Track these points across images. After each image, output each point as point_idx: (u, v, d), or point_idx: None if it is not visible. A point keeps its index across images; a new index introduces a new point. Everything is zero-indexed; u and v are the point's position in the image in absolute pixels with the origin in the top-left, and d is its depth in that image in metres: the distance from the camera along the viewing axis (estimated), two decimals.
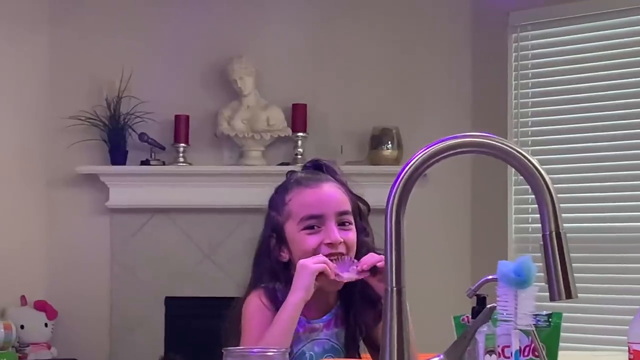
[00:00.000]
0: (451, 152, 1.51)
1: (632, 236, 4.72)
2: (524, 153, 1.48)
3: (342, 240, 2.20)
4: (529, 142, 5.05)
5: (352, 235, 2.24)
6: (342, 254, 2.20)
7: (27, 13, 5.24)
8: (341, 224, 2.22)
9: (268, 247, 2.28)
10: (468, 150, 1.54)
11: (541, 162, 1.47)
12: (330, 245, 2.19)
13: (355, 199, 2.28)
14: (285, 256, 2.26)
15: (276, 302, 2.22)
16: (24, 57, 5.24)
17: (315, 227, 2.21)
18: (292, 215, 2.24)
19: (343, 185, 2.30)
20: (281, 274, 2.26)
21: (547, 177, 1.46)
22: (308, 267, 2.11)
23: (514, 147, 1.50)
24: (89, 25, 5.27)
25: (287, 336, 2.11)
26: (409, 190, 1.50)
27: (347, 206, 2.25)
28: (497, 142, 1.49)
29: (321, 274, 2.12)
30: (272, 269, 2.27)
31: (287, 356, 1.42)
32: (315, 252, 2.19)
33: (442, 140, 1.50)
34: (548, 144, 5.00)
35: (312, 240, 2.21)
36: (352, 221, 2.25)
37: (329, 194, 2.25)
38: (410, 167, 1.50)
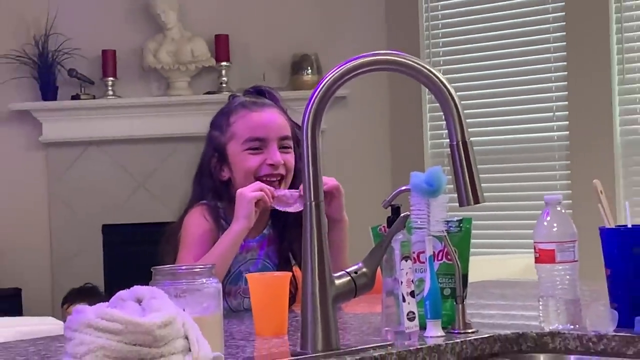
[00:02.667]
0: (360, 70, 1.49)
1: (535, 147, 4.81)
2: (428, 67, 1.48)
3: (282, 161, 2.19)
4: (441, 62, 5.08)
5: (291, 157, 2.23)
6: (281, 175, 2.20)
7: None
8: (282, 148, 2.22)
9: (209, 166, 2.26)
10: (376, 68, 1.53)
11: (452, 80, 1.47)
12: (272, 166, 2.19)
13: (294, 126, 2.26)
14: (225, 175, 2.24)
15: (218, 219, 2.21)
16: None
17: (257, 149, 2.20)
18: (236, 136, 2.22)
19: (284, 111, 2.29)
20: (223, 193, 2.24)
21: (451, 89, 1.47)
22: (246, 195, 2.09)
23: (418, 61, 1.50)
24: None
25: (225, 262, 2.10)
26: (323, 107, 1.49)
27: (288, 131, 2.24)
28: (402, 58, 1.49)
29: (260, 200, 2.11)
30: (215, 188, 2.25)
31: (213, 272, 1.41)
32: (256, 171, 2.19)
33: (352, 60, 1.49)
34: (458, 62, 5.05)
35: (254, 161, 2.19)
36: (292, 146, 2.24)
37: (273, 118, 2.24)
38: (322, 86, 1.49)
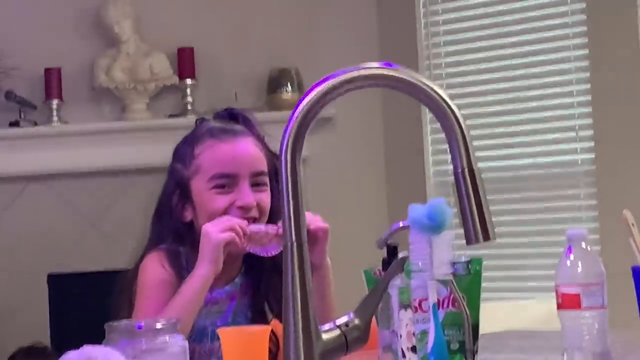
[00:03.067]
0: (348, 87, 1.50)
1: (554, 173, 4.86)
2: (427, 82, 1.49)
3: (255, 203, 2.21)
4: (443, 75, 5.15)
5: (266, 197, 2.25)
6: (254, 218, 2.22)
7: None
8: (255, 185, 2.24)
9: (170, 204, 2.28)
10: (367, 83, 1.54)
11: (456, 97, 1.49)
12: (242, 208, 2.20)
13: (272, 157, 2.27)
14: (188, 215, 2.26)
15: (180, 267, 2.23)
16: None
17: (226, 187, 2.22)
18: (201, 171, 2.24)
19: (260, 140, 2.31)
20: (186, 235, 2.26)
21: (454, 108, 1.48)
22: (212, 237, 2.10)
23: (418, 77, 1.51)
24: None
25: (190, 314, 2.11)
26: (304, 130, 1.50)
27: (264, 166, 2.26)
28: (396, 72, 1.50)
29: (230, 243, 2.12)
30: (176, 230, 2.27)
31: (177, 327, 1.42)
32: (224, 214, 2.20)
33: (338, 74, 1.50)
34: (464, 76, 5.10)
35: (221, 202, 2.21)
36: (267, 182, 2.26)
37: (245, 151, 2.25)
38: (303, 106, 1.50)
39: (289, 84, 5.19)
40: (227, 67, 5.28)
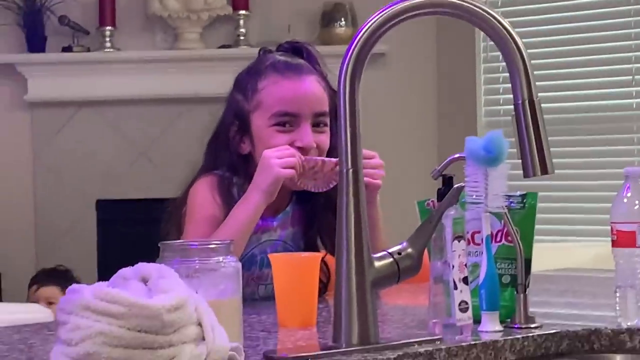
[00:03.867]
0: (405, 15, 1.51)
1: (610, 116, 4.87)
2: (493, 13, 1.50)
3: (315, 144, 2.20)
4: (499, 3, 5.12)
5: (325, 138, 2.24)
6: None
7: None
8: (315, 125, 2.23)
9: (227, 135, 2.27)
10: (429, 11, 1.55)
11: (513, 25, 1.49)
12: (301, 149, 2.19)
13: (334, 95, 2.26)
14: (245, 148, 2.25)
15: (230, 196, 2.23)
16: None
17: (287, 125, 2.21)
18: (263, 106, 2.22)
19: (323, 78, 2.29)
20: (240, 168, 2.26)
21: (519, 40, 1.49)
22: (274, 171, 2.10)
23: (481, 6, 1.51)
24: None
25: (243, 238, 2.12)
26: (363, 60, 1.51)
27: (326, 106, 2.25)
28: (462, 0, 1.50)
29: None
30: (231, 161, 2.27)
31: (231, 249, 1.43)
32: None
33: (395, 3, 1.51)
34: (521, 4, 5.09)
35: (281, 140, 2.20)
36: (328, 123, 2.25)
37: (309, 91, 2.24)
38: (360, 37, 1.51)
39: (342, 19, 5.20)
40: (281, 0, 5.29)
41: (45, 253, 5.15)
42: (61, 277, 4.50)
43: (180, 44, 5.27)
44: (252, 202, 2.12)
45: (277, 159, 2.11)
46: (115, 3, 5.21)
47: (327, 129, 2.25)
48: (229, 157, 2.27)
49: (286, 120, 2.20)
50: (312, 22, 5.29)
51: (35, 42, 5.16)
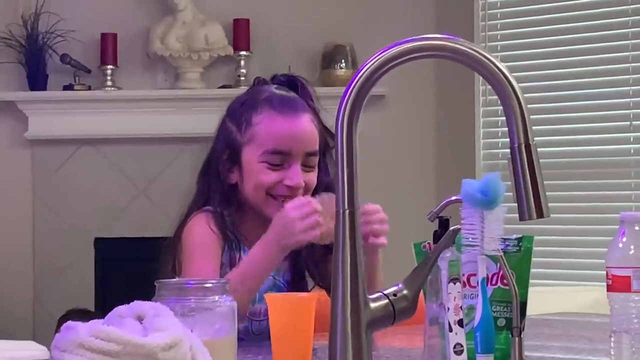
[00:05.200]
0: (403, 58, 1.51)
1: (607, 161, 4.88)
2: (490, 57, 1.49)
3: (303, 184, 2.22)
4: (498, 48, 5.18)
5: (313, 177, 2.26)
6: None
7: None
8: (305, 164, 2.24)
9: (218, 165, 2.29)
10: (427, 54, 1.54)
11: (510, 70, 1.49)
12: (290, 188, 2.21)
13: (325, 132, 2.28)
14: (234, 177, 2.26)
15: (225, 229, 2.24)
16: None
17: (278, 163, 2.22)
18: (257, 141, 2.23)
19: (316, 115, 2.31)
20: (232, 198, 2.27)
21: (515, 84, 1.48)
22: (297, 236, 2.10)
23: (479, 50, 1.51)
24: None
25: (250, 291, 2.12)
26: (361, 101, 1.51)
27: (317, 145, 2.26)
28: (460, 45, 1.50)
29: None
30: (222, 191, 2.28)
31: (227, 288, 1.43)
32: (271, 188, 2.21)
33: (394, 46, 1.51)
34: (518, 49, 5.13)
35: (271, 177, 2.21)
36: (317, 161, 2.27)
37: (303, 130, 2.25)
38: (361, 76, 1.50)
39: (343, 60, 5.22)
40: (282, 41, 5.31)
41: (43, 291, 5.14)
42: (90, 315, 4.50)
43: (181, 83, 5.29)
44: (266, 258, 2.13)
45: (299, 220, 2.09)
46: (117, 42, 5.23)
47: (315, 167, 2.26)
48: (220, 187, 2.28)
49: (278, 160, 2.22)
50: (312, 63, 5.30)
51: (37, 80, 5.18)
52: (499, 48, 5.15)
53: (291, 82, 2.36)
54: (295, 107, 2.27)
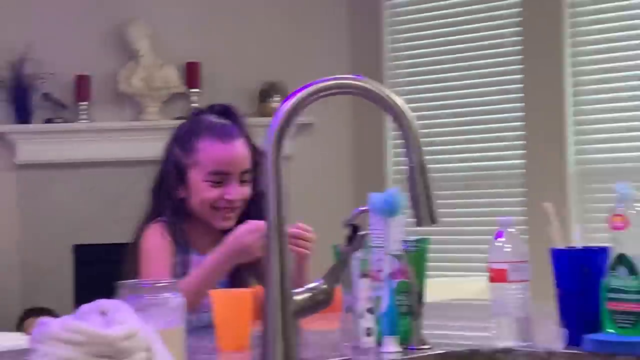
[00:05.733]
0: (322, 93, 1.49)
1: (494, 173, 4.91)
2: (386, 91, 1.48)
3: (240, 197, 2.20)
4: (403, 83, 5.18)
5: (248, 190, 2.24)
6: (236, 207, 2.22)
7: None
8: (241, 180, 2.23)
9: (168, 183, 2.26)
10: (339, 91, 1.53)
11: (414, 106, 1.48)
12: (230, 201, 2.20)
13: (255, 152, 2.26)
14: (181, 193, 2.24)
15: (175, 236, 2.21)
16: None
17: (219, 181, 2.20)
18: (200, 164, 2.21)
19: (248, 138, 2.28)
20: (181, 210, 2.24)
21: (409, 115, 1.46)
22: (252, 252, 2.09)
23: (376, 85, 1.49)
24: None
25: (209, 288, 2.05)
26: (286, 128, 1.49)
27: (249, 163, 2.24)
28: (360, 82, 1.49)
29: None
30: (173, 206, 2.25)
31: (176, 287, 1.40)
32: (214, 202, 2.19)
33: (310, 85, 1.50)
34: (420, 84, 5.14)
35: (213, 193, 2.20)
36: (249, 178, 2.25)
37: (238, 153, 2.23)
38: (285, 108, 1.50)
39: (276, 95, 5.17)
40: (226, 79, 5.24)
41: (30, 292, 5.03)
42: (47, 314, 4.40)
43: (144, 116, 5.22)
44: (219, 269, 2.13)
45: (254, 242, 2.06)
46: (89, 82, 5.16)
47: (250, 181, 2.25)
48: (170, 202, 2.25)
49: (219, 179, 2.20)
50: (251, 97, 5.25)
51: (23, 114, 5.08)
52: (404, 84, 5.15)
53: (226, 111, 2.34)
54: (231, 133, 2.24)
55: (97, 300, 1.30)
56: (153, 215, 2.26)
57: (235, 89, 5.22)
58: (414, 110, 1.49)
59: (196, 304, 2.01)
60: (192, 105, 5.15)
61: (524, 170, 4.73)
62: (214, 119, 2.29)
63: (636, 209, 1.53)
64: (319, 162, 5.29)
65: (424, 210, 1.46)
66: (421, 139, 1.46)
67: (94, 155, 5.15)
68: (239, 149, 2.23)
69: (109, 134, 5.19)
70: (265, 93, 5.21)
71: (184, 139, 2.27)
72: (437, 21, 5.06)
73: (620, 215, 1.52)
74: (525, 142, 4.75)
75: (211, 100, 5.03)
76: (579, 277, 1.60)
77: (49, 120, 5.12)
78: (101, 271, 4.71)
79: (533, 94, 4.71)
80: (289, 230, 1.83)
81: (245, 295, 1.77)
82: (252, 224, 2.09)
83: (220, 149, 2.21)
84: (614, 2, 4.49)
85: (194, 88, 5.20)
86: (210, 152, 2.21)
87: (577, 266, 1.61)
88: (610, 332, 1.55)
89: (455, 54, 4.98)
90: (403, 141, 1.47)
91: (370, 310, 1.57)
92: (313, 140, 5.18)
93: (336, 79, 1.50)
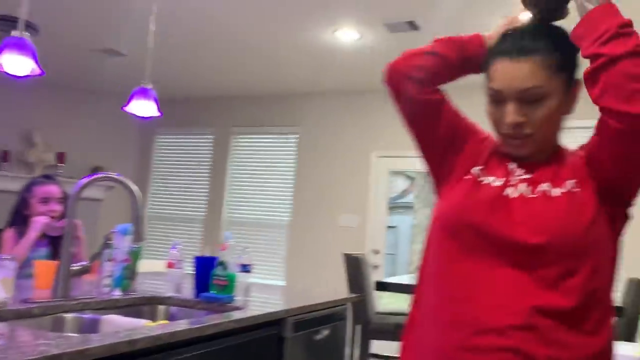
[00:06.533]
0: (94, 182, 2.03)
1: (270, 223, 5.43)
2: (125, 181, 2.06)
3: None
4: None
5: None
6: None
7: None
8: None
9: (19, 210, 2.83)
10: (101, 181, 2.04)
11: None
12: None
13: (63, 193, 2.82)
14: (26, 214, 2.84)
15: (21, 237, 2.78)
16: None
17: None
18: (34, 206, 2.77)
19: (59, 185, 2.80)
20: (25, 224, 2.81)
21: (137, 194, 2.02)
22: (37, 226, 2.63)
23: (122, 179, 2.09)
24: None
25: (25, 254, 2.62)
26: (77, 198, 2.02)
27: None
28: (116, 177, 2.08)
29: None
30: (21, 220, 2.81)
31: (12, 257, 1.85)
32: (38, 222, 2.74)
33: (90, 177, 2.03)
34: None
35: (39, 218, 2.74)
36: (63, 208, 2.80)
37: (54, 195, 2.79)
38: (76, 189, 2.04)
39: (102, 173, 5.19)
40: None
41: None
42: None
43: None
44: (31, 237, 2.75)
45: (38, 222, 2.67)
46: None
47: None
48: (20, 219, 2.84)
49: (44, 210, 2.81)
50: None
51: None
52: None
53: (47, 177, 2.90)
54: (50, 191, 2.82)
55: None
56: (9, 226, 2.82)
57: (85, 167, 5.50)
58: None
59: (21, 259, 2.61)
60: (58, 171, 5.30)
61: (290, 227, 5.30)
62: (41, 181, 2.84)
63: None
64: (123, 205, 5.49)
65: (140, 232, 2.02)
66: (141, 208, 1.98)
67: None
68: (54, 190, 2.76)
69: None
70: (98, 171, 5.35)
71: (28, 190, 2.86)
72: None
73: None
74: (292, 207, 5.31)
75: (70, 172, 5.42)
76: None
77: None
78: None
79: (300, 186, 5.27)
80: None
81: (51, 264, 2.17)
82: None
83: (43, 195, 2.78)
84: None
85: (60, 163, 5.42)
86: (39, 200, 2.81)
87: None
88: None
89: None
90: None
91: (110, 275, 2.20)
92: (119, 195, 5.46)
93: (106, 174, 2.08)
